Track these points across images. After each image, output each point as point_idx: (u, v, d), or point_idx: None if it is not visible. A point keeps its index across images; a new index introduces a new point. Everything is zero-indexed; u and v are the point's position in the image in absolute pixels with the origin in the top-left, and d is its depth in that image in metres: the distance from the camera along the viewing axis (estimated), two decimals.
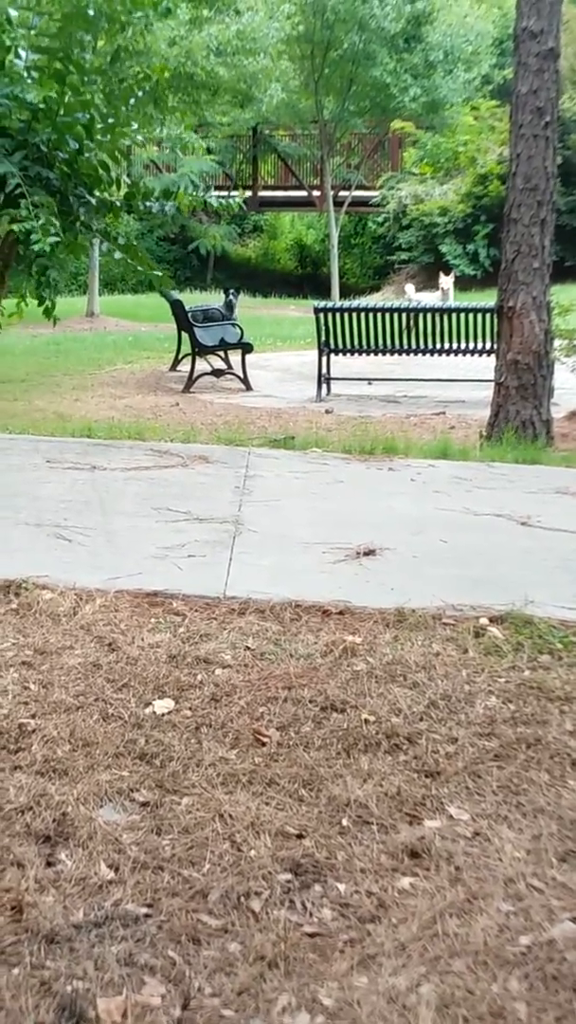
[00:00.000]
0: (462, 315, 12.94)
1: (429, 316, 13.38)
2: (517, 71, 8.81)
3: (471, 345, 12.87)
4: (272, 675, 3.92)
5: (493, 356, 9.83)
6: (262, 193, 33.67)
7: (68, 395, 12.65)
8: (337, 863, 2.83)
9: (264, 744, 3.43)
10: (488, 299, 13.61)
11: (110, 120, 7.40)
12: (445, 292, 17.90)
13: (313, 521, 5.91)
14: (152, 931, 2.54)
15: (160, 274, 8.24)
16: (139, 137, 8.06)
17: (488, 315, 12.07)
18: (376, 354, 13.33)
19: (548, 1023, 2.30)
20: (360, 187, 29.99)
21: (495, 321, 9.89)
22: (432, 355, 13.28)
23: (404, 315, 13.46)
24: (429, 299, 17.55)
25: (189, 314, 14.05)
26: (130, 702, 3.69)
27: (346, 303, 15.89)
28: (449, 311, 13.26)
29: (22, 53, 7.11)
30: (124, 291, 29.80)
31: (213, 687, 3.82)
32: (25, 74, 7.14)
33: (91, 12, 6.96)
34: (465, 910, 2.64)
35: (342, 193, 29.56)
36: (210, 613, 4.48)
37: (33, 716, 3.56)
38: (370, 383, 13.54)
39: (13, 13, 7.05)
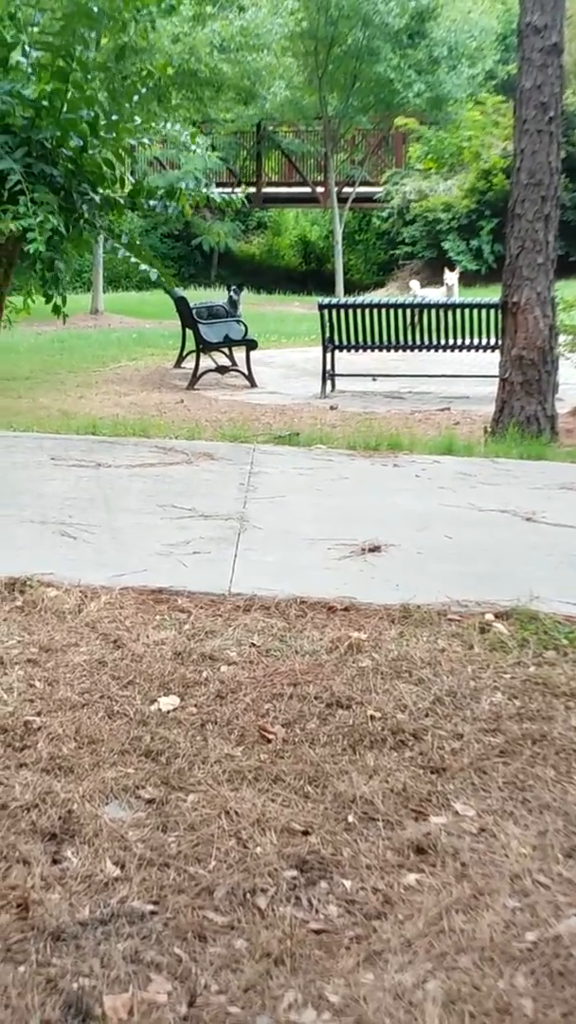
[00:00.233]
0: (466, 311, 12.94)
1: (433, 312, 13.37)
2: (521, 66, 8.79)
3: (475, 341, 12.86)
4: (277, 672, 3.92)
5: (497, 352, 9.82)
6: (266, 189, 33.65)
7: (72, 392, 12.65)
8: (343, 860, 2.83)
9: (270, 741, 3.43)
10: (492, 295, 13.62)
11: (114, 117, 7.39)
12: (449, 288, 17.90)
13: (318, 517, 5.91)
14: (158, 928, 2.54)
15: (162, 273, 8.22)
16: (145, 139, 8.03)
17: (492, 311, 12.06)
18: (380, 350, 13.32)
19: (555, 1019, 2.30)
20: (364, 183, 29.96)
21: (499, 317, 9.87)
22: (436, 351, 13.28)
23: (408, 311, 13.45)
24: (433, 295, 17.56)
25: (193, 311, 14.04)
26: (135, 699, 3.68)
27: (350, 299, 15.89)
28: (453, 307, 13.26)
29: (28, 50, 7.10)
30: (128, 288, 29.79)
31: (218, 684, 3.81)
32: (30, 71, 7.13)
33: (95, 9, 6.93)
34: (471, 906, 2.64)
35: (346, 189, 29.54)
36: (215, 610, 4.48)
37: (38, 713, 3.56)
38: (374, 379, 13.54)
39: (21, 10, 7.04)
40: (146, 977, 2.38)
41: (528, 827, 2.98)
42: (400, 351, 13.44)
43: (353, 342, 13.13)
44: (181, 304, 14.13)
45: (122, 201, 7.79)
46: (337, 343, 13.10)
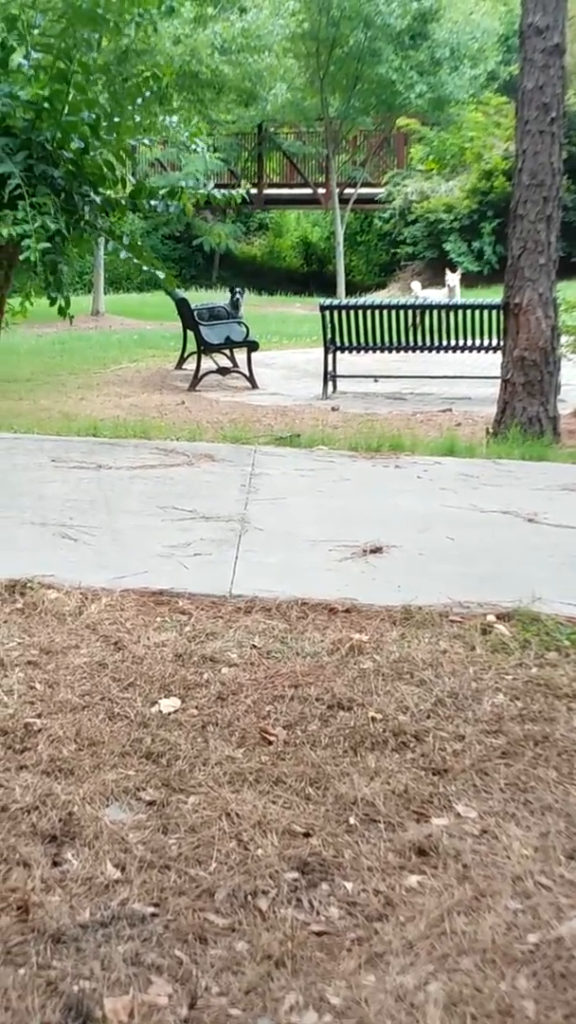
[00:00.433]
0: (468, 312, 12.92)
1: (435, 313, 13.37)
2: (523, 67, 8.79)
3: (477, 342, 12.84)
4: (279, 673, 3.91)
5: (499, 353, 9.81)
6: (267, 191, 33.65)
7: (73, 394, 12.65)
8: (344, 861, 2.83)
9: (271, 743, 3.43)
10: (494, 295, 13.61)
11: (115, 119, 7.39)
12: (451, 289, 17.89)
13: (319, 519, 5.90)
14: (159, 930, 2.53)
15: (164, 275, 8.22)
16: (146, 140, 8.03)
17: (494, 312, 12.04)
18: (382, 351, 13.31)
19: (556, 1021, 2.29)
20: (366, 184, 29.96)
21: (501, 318, 9.87)
22: (438, 352, 13.27)
23: (410, 312, 13.45)
24: (435, 296, 17.55)
25: (195, 312, 14.04)
26: (136, 701, 3.68)
27: (352, 300, 15.88)
28: (455, 308, 13.25)
29: (29, 52, 7.10)
30: (129, 289, 29.81)
31: (219, 686, 3.81)
32: (31, 72, 7.13)
33: (101, 12, 6.93)
34: (473, 908, 2.64)
35: (348, 190, 29.53)
36: (216, 612, 4.48)
37: (39, 716, 3.55)
38: (376, 380, 13.53)
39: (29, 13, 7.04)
40: (147, 979, 2.37)
41: (530, 829, 2.97)
42: (402, 352, 13.43)
43: (355, 343, 13.12)
44: (182, 306, 14.13)
45: (124, 202, 7.79)
46: (338, 344, 13.09)
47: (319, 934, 2.55)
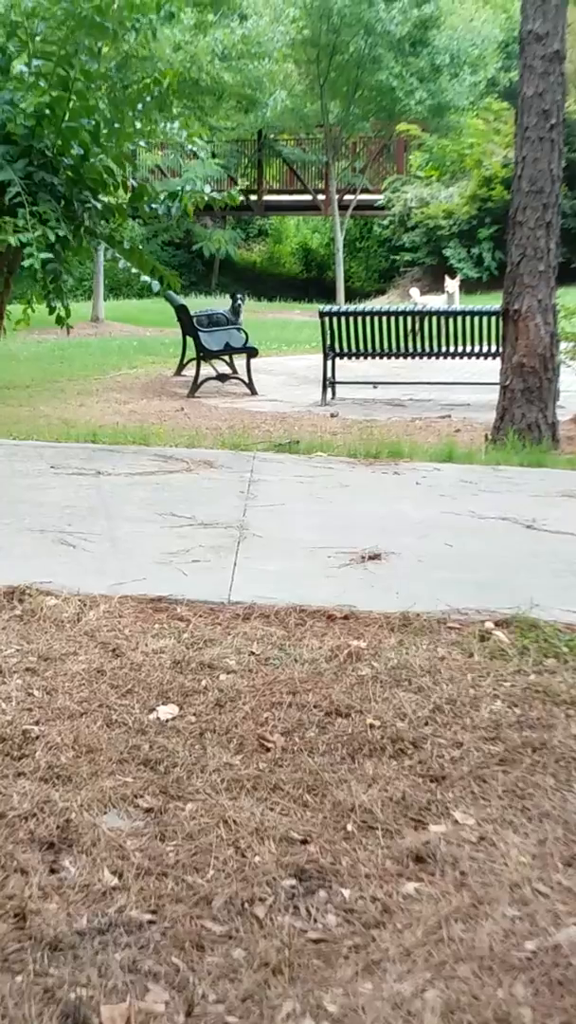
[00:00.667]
0: (467, 318, 12.92)
1: (434, 319, 13.37)
2: (522, 74, 8.80)
3: (476, 348, 12.85)
4: (277, 680, 3.91)
5: (498, 359, 9.82)
6: (267, 197, 33.69)
7: (73, 400, 12.65)
8: (342, 869, 2.82)
9: (269, 749, 3.42)
10: (493, 302, 13.62)
11: (115, 125, 7.41)
12: (450, 295, 17.89)
13: (318, 526, 5.90)
14: (156, 938, 2.53)
15: (165, 276, 8.23)
16: (143, 142, 8.04)
17: (493, 318, 12.05)
18: (381, 358, 13.31)
19: None
20: (365, 191, 30.00)
21: (500, 324, 9.87)
22: (437, 358, 13.27)
23: (409, 318, 13.46)
24: (435, 302, 17.56)
25: (194, 319, 14.05)
26: (134, 708, 3.68)
27: (351, 307, 15.89)
28: (454, 314, 13.25)
29: (30, 59, 7.12)
30: (129, 296, 29.84)
31: (217, 693, 3.81)
32: (32, 79, 7.14)
33: (99, 19, 6.95)
34: (470, 915, 2.63)
35: (347, 197, 29.57)
36: (215, 618, 4.48)
37: (37, 722, 3.55)
38: (375, 387, 13.55)
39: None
40: (144, 987, 2.37)
41: (528, 836, 2.97)
42: (401, 358, 13.43)
43: (354, 349, 13.12)
44: (181, 312, 14.14)
45: (124, 207, 7.80)
46: (338, 350, 13.10)
47: (316, 941, 2.55)
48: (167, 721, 3.59)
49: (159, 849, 2.88)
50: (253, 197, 32.43)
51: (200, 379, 13.62)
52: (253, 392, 13.59)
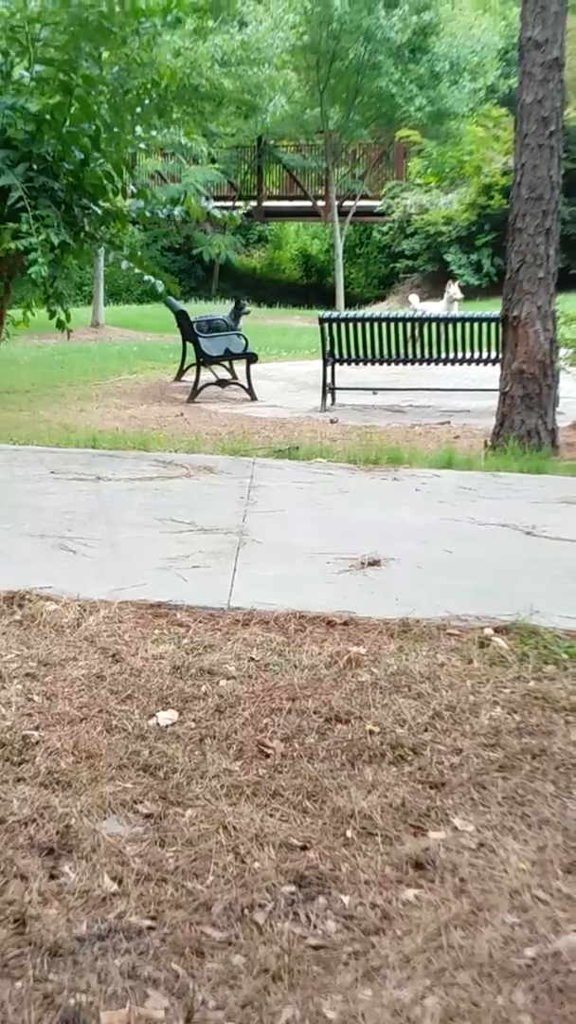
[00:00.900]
0: (467, 325, 12.95)
1: (434, 326, 13.39)
2: (522, 81, 8.82)
3: (476, 355, 12.86)
4: (276, 686, 3.91)
5: (498, 366, 9.83)
6: (267, 203, 33.76)
7: (73, 405, 12.66)
8: (341, 875, 2.82)
9: (268, 756, 3.42)
10: (492, 308, 13.63)
11: (115, 131, 7.41)
12: (451, 302, 17.91)
13: (318, 531, 5.90)
14: (155, 944, 2.53)
15: (165, 282, 8.23)
16: (142, 144, 8.05)
17: (493, 324, 12.07)
18: (381, 364, 13.33)
19: None
20: (365, 197, 30.05)
21: (499, 331, 9.88)
22: (437, 364, 13.29)
23: (409, 325, 13.47)
24: (435, 308, 17.58)
25: (194, 324, 14.07)
26: (134, 714, 3.68)
27: (351, 313, 15.91)
28: (454, 321, 13.27)
29: (31, 64, 7.13)
30: (129, 301, 29.87)
31: (217, 698, 3.81)
32: (34, 85, 7.15)
33: (107, 24, 6.95)
34: (470, 922, 2.63)
35: (347, 203, 29.61)
36: (214, 624, 4.47)
37: (36, 728, 3.55)
38: (375, 393, 13.56)
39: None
40: (143, 993, 2.37)
41: (527, 842, 2.97)
42: (400, 365, 13.45)
43: (353, 356, 13.15)
44: (181, 318, 14.16)
45: (125, 212, 7.81)
46: (337, 356, 13.12)
47: (316, 948, 2.55)
48: (167, 727, 3.59)
49: (159, 855, 2.88)
50: (253, 203, 32.45)
51: (200, 384, 13.63)
52: (253, 398, 13.61)
